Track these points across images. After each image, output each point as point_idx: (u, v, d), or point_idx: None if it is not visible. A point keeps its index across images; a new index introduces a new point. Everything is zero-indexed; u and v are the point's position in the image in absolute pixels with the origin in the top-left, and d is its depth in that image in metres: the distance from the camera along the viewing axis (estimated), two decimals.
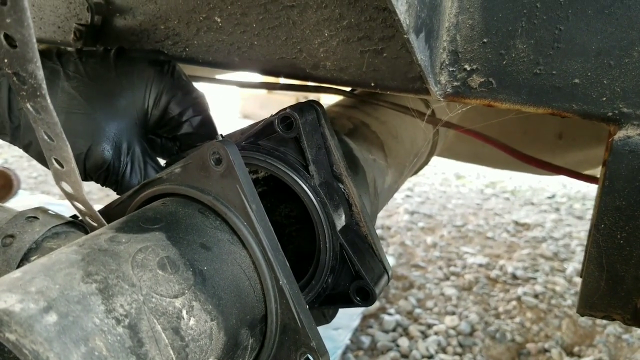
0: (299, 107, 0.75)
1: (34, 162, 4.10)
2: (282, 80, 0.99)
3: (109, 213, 0.74)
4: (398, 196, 3.63)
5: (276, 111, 0.78)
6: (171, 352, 0.53)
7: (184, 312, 0.56)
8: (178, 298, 0.56)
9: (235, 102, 6.25)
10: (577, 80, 0.67)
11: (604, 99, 0.66)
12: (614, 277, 0.70)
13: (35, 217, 0.70)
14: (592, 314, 0.73)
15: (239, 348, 0.64)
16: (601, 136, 1.60)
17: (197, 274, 0.60)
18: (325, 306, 0.79)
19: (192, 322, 0.56)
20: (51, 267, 0.53)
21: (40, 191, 3.57)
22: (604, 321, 2.20)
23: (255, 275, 0.67)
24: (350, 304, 0.77)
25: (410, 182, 3.92)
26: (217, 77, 1.39)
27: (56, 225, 0.70)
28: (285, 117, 0.74)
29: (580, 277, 0.78)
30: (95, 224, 0.69)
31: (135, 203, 0.74)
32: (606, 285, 0.70)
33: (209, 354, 0.58)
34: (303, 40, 0.81)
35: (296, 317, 0.66)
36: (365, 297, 0.75)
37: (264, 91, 5.99)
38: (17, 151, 4.33)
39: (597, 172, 1.44)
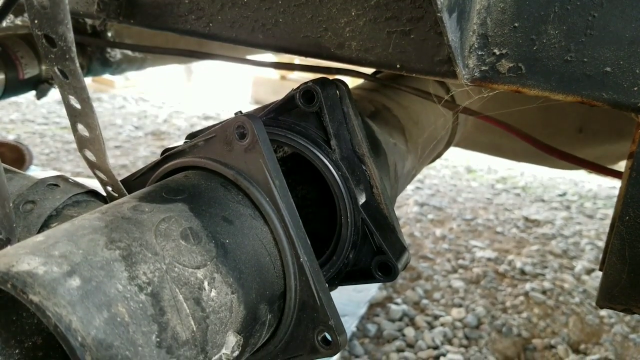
0: (320, 82, 0.75)
1: (47, 139, 4.12)
2: (307, 62, 0.98)
3: (129, 184, 0.74)
4: (408, 187, 3.62)
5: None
6: (192, 322, 0.53)
7: (206, 283, 0.56)
8: (200, 269, 0.56)
9: (246, 87, 6.24)
10: (608, 69, 0.66)
11: (636, 88, 0.65)
12: (637, 269, 0.69)
13: (56, 185, 0.70)
14: (612, 307, 0.72)
15: (257, 323, 0.64)
16: (623, 131, 1.58)
17: (219, 246, 0.60)
18: (345, 283, 0.78)
19: (213, 293, 0.56)
20: (74, 232, 0.52)
21: (52, 168, 3.59)
22: (611, 320, 2.19)
23: (275, 251, 0.66)
24: (371, 279, 0.76)
25: (420, 173, 3.91)
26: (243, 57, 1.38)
27: (77, 194, 0.70)
28: (306, 91, 0.74)
29: (600, 270, 0.77)
30: (116, 194, 0.69)
31: (157, 175, 0.74)
32: (628, 278, 0.69)
33: (229, 327, 0.58)
34: (329, 19, 0.80)
35: (315, 294, 0.66)
36: (387, 272, 0.75)
37: (276, 77, 5.97)
38: (31, 127, 4.35)
39: (616, 167, 1.42)
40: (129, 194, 0.67)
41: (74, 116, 0.59)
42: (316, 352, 0.68)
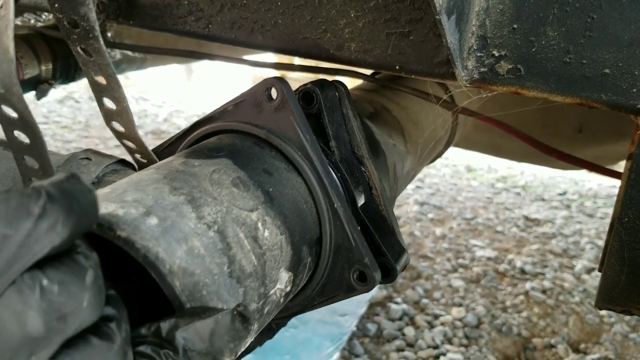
0: (319, 83, 0.76)
1: (47, 138, 4.11)
2: (307, 63, 0.98)
3: (158, 155, 0.76)
4: (408, 186, 3.62)
5: None
6: (253, 257, 0.57)
7: (259, 224, 0.61)
8: (253, 212, 0.61)
9: (246, 86, 6.22)
10: (607, 71, 0.66)
11: (635, 90, 0.65)
12: (636, 271, 0.69)
13: (87, 158, 0.72)
14: (611, 308, 0.72)
15: (301, 264, 0.68)
16: (623, 131, 1.58)
17: (265, 193, 0.64)
18: None
19: (266, 233, 0.61)
20: (138, 183, 0.56)
21: None
22: (612, 319, 2.19)
23: (310, 199, 0.71)
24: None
25: (421, 172, 3.91)
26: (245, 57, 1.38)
27: (111, 163, 0.72)
28: (306, 92, 0.75)
29: (599, 271, 0.77)
30: (145, 161, 0.71)
31: (187, 142, 0.77)
32: (627, 279, 0.70)
33: (281, 265, 0.62)
34: (328, 20, 0.80)
35: (350, 236, 0.70)
36: (387, 274, 0.75)
37: (276, 75, 5.95)
38: None
39: (615, 167, 1.43)
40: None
41: (100, 92, 0.60)
42: (353, 290, 0.72)
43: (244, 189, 0.62)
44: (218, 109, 0.76)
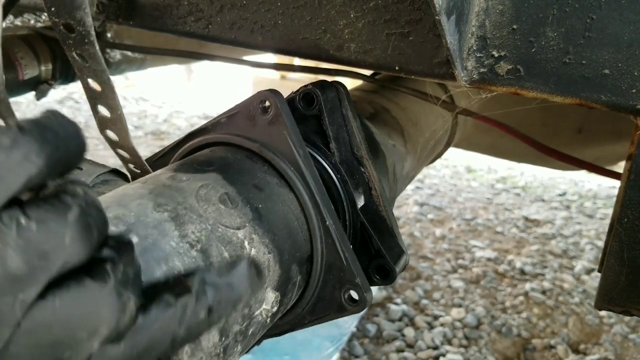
0: (320, 84, 0.76)
1: None
2: (306, 63, 0.98)
3: (151, 165, 0.75)
4: (408, 187, 3.62)
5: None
6: None
7: (246, 242, 0.59)
8: (240, 230, 0.59)
9: (247, 87, 6.22)
10: (607, 71, 0.66)
11: (634, 90, 0.65)
12: (635, 272, 0.69)
13: (79, 168, 0.71)
14: (611, 309, 0.72)
15: (290, 283, 0.66)
16: (622, 132, 1.58)
17: (254, 210, 0.63)
18: None
19: (253, 252, 0.59)
20: (121, 198, 0.55)
21: None
22: (611, 320, 2.19)
23: (302, 216, 0.69)
24: (369, 282, 0.77)
25: (420, 173, 3.91)
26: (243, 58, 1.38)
27: (102, 173, 0.72)
28: (306, 94, 0.75)
29: (599, 271, 0.77)
30: (138, 171, 0.70)
31: (179, 154, 0.76)
32: (626, 280, 0.69)
33: (268, 284, 0.61)
34: (328, 21, 0.80)
35: (342, 255, 0.69)
36: (385, 275, 0.75)
37: (277, 76, 5.96)
38: None
39: (615, 168, 1.43)
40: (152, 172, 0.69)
41: (94, 98, 0.60)
42: (343, 310, 0.71)
43: (231, 205, 0.61)
44: (212, 120, 0.75)
